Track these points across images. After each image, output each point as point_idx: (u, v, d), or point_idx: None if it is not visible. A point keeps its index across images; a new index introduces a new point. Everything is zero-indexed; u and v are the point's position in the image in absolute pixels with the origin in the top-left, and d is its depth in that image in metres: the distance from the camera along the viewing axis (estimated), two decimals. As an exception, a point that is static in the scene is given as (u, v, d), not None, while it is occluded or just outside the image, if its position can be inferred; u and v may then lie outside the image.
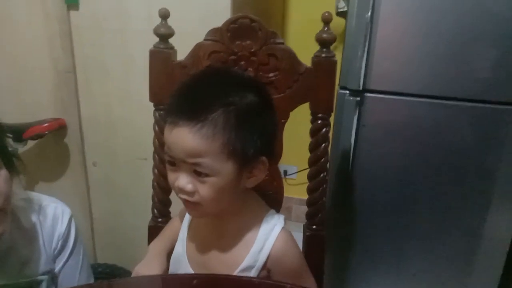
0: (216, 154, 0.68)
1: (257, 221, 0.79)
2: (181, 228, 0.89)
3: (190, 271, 0.82)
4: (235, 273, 0.77)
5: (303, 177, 2.15)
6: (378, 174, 1.35)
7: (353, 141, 1.30)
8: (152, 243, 0.93)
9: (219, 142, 0.67)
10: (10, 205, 0.78)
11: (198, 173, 0.69)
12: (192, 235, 0.86)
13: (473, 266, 1.40)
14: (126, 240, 1.65)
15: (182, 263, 0.84)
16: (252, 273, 0.77)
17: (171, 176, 0.73)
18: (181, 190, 0.71)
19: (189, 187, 0.70)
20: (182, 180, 0.70)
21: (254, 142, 0.71)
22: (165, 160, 0.94)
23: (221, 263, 0.79)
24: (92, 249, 1.68)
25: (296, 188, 2.27)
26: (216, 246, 0.81)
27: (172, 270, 0.88)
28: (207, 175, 0.69)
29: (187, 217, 0.88)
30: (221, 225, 0.80)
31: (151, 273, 0.83)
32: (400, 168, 1.34)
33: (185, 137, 0.67)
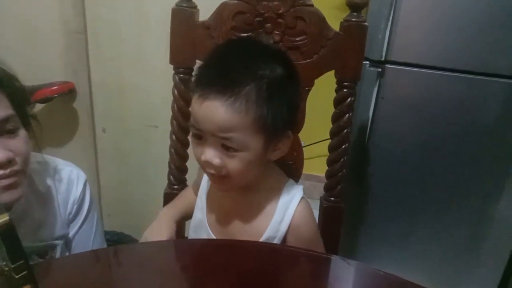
0: (247, 128, 0.67)
1: (277, 192, 0.79)
2: (198, 196, 0.88)
3: (213, 237, 0.82)
4: None
5: (309, 152, 2.14)
6: (394, 149, 1.32)
7: (371, 114, 1.27)
8: (163, 209, 0.92)
9: (251, 116, 0.66)
10: (29, 166, 0.76)
11: (226, 148, 0.68)
12: (211, 204, 0.85)
13: (483, 246, 1.40)
14: (133, 208, 1.63)
15: (204, 230, 0.84)
16: None
17: (196, 150, 0.72)
18: (208, 165, 0.69)
19: (216, 161, 0.68)
20: (209, 154, 0.68)
21: (283, 116, 0.70)
22: (183, 127, 0.94)
23: (243, 233, 0.79)
24: (99, 216, 1.67)
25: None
26: (238, 217, 0.80)
27: (193, 236, 0.88)
28: (235, 150, 0.68)
29: (204, 186, 0.87)
30: (241, 196, 0.79)
31: (159, 238, 0.83)
32: (417, 144, 1.31)
33: (217, 111, 0.65)
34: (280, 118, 0.69)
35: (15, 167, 0.71)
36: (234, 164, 0.69)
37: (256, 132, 0.68)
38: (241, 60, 0.69)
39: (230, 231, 0.81)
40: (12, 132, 0.72)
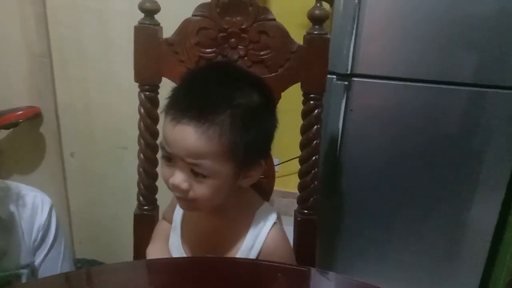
0: (218, 156, 0.66)
1: (249, 217, 0.77)
2: (173, 219, 0.86)
3: None
4: None
5: (285, 169, 2.13)
6: (365, 160, 1.34)
7: (341, 126, 1.28)
8: (149, 249, 0.88)
9: (223, 144, 0.65)
10: None
11: (195, 173, 0.67)
12: (186, 227, 0.83)
13: (459, 253, 1.42)
14: (105, 234, 1.59)
15: (178, 253, 0.82)
16: None
17: (165, 171, 0.70)
18: (175, 188, 0.69)
19: (184, 185, 0.68)
20: (178, 178, 0.67)
21: (256, 145, 0.69)
22: (151, 145, 0.93)
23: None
24: (70, 243, 1.62)
25: (278, 181, 2.25)
26: (209, 241, 0.79)
27: None
28: (204, 176, 0.67)
29: (179, 213, 0.85)
30: (213, 221, 0.78)
31: None
32: (387, 154, 1.33)
33: (189, 136, 0.64)
34: (252, 147, 0.68)
35: None
36: (201, 189, 0.68)
37: (227, 160, 0.67)
38: (218, 87, 0.68)
39: (202, 255, 0.80)
40: None
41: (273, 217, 0.77)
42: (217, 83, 0.69)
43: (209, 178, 0.67)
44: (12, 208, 0.85)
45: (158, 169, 0.96)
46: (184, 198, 0.70)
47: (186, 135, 0.64)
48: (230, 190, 0.72)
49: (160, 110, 0.72)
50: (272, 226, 0.76)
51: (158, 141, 0.94)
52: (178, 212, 0.85)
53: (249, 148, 0.68)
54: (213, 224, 0.79)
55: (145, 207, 0.97)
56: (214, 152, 0.65)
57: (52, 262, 0.91)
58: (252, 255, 0.75)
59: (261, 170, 0.74)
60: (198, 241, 0.80)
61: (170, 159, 0.69)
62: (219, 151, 0.65)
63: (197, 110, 0.64)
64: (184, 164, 0.66)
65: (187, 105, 0.66)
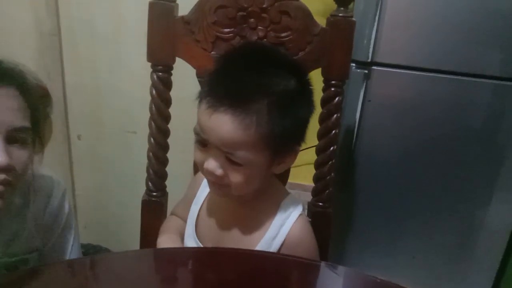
0: (253, 145, 0.66)
1: (274, 206, 0.77)
2: (190, 212, 0.84)
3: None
4: None
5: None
6: (381, 153, 1.29)
7: (358, 117, 1.24)
8: (159, 240, 0.86)
9: (259, 134, 0.65)
10: (19, 182, 0.73)
11: (230, 161, 0.67)
12: (205, 215, 0.82)
13: (472, 253, 1.38)
14: (111, 219, 1.57)
15: (192, 239, 0.81)
16: None
17: (199, 155, 0.71)
18: (209, 173, 0.69)
19: (219, 171, 0.68)
20: (212, 164, 0.68)
21: (293, 132, 0.69)
22: (162, 129, 0.89)
23: (233, 246, 0.77)
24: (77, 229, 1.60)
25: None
26: (230, 229, 0.79)
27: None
28: (239, 164, 0.67)
29: (201, 196, 0.84)
30: (237, 208, 0.78)
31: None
32: (404, 148, 1.29)
33: (225, 125, 0.64)
34: (289, 134, 0.68)
35: (9, 177, 0.68)
36: (236, 176, 0.68)
37: (263, 149, 0.67)
38: (255, 74, 0.67)
39: (221, 242, 0.78)
40: (21, 143, 0.70)
41: (299, 209, 0.77)
42: (253, 70, 0.68)
43: (243, 167, 0.67)
44: (24, 191, 0.82)
45: (169, 155, 0.93)
46: (217, 184, 0.70)
47: (223, 124, 0.64)
48: (263, 177, 0.72)
49: (195, 97, 0.71)
50: (298, 218, 0.76)
51: (169, 125, 0.91)
52: (199, 199, 0.83)
53: (285, 136, 0.67)
54: (237, 212, 0.78)
55: (154, 193, 0.94)
56: (250, 142, 0.65)
57: (60, 248, 0.89)
58: (275, 245, 0.74)
59: (295, 156, 0.73)
60: (218, 230, 0.79)
61: (205, 144, 0.69)
62: (255, 141, 0.65)
63: (234, 99, 0.64)
64: (219, 152, 0.67)
65: (223, 93, 0.65)
